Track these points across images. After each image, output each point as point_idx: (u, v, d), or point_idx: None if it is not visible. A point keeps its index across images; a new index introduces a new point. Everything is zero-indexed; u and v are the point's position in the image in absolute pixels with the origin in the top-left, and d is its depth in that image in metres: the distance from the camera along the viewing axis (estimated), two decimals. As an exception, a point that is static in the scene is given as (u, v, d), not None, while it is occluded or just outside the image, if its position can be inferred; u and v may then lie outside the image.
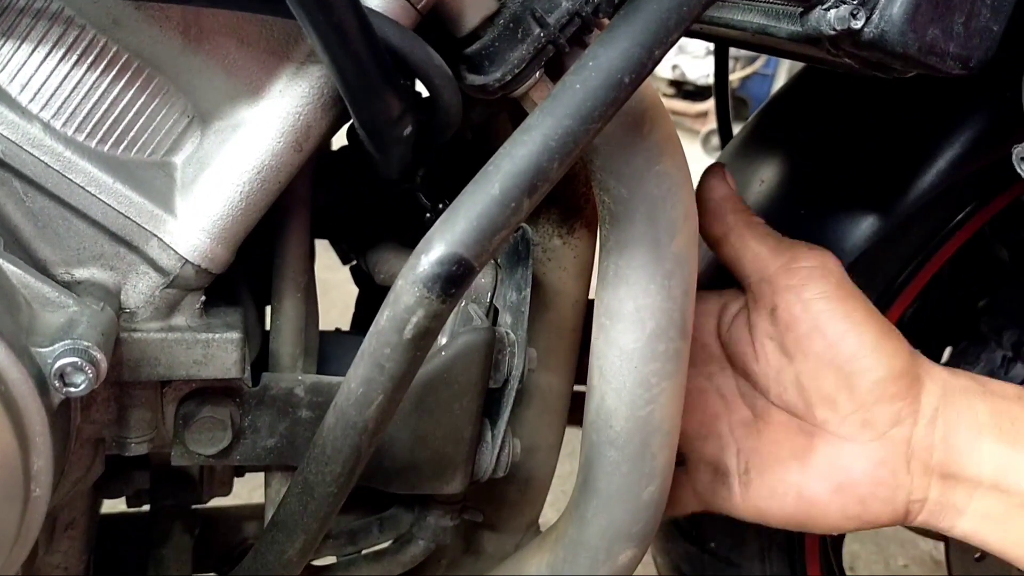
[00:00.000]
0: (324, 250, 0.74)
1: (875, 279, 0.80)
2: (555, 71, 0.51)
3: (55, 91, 0.48)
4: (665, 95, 5.77)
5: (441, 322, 0.45)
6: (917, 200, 0.77)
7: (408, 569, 0.72)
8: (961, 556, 0.97)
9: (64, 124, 0.48)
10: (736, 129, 1.04)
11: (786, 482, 0.65)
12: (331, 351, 0.64)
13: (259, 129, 0.50)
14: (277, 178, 0.51)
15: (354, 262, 0.75)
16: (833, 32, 0.51)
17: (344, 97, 0.48)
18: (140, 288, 0.51)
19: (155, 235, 0.50)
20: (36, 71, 0.48)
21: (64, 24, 0.47)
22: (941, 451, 0.62)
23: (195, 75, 0.50)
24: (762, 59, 4.88)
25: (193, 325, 0.53)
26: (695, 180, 0.61)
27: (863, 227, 0.78)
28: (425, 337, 0.45)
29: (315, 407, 0.58)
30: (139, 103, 0.50)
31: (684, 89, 5.80)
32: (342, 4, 0.43)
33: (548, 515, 0.75)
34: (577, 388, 0.72)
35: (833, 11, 0.51)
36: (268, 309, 0.63)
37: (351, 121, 0.53)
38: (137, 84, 0.49)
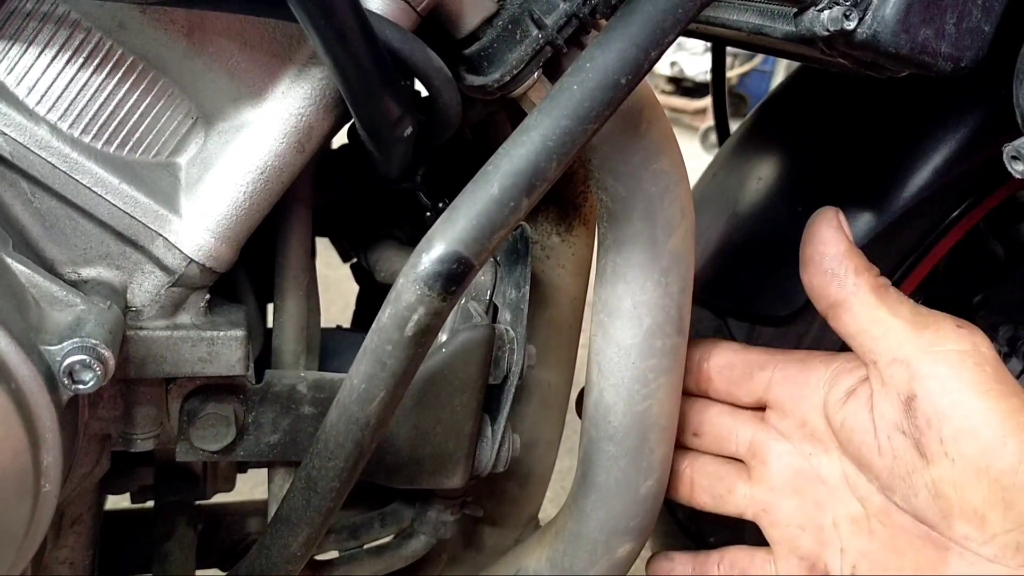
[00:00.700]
0: (324, 248, 0.74)
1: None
2: (553, 72, 0.51)
3: (61, 93, 0.48)
4: (664, 92, 5.76)
5: (442, 319, 0.46)
6: (913, 197, 0.78)
7: (409, 563, 0.72)
8: None
9: (71, 126, 0.49)
10: (734, 126, 1.04)
11: None
12: (332, 348, 0.64)
13: (262, 130, 0.51)
14: (280, 178, 0.52)
15: (354, 260, 0.75)
16: (827, 33, 0.52)
17: (345, 98, 0.49)
18: (146, 287, 0.52)
19: (160, 235, 0.50)
20: (43, 74, 0.48)
21: (70, 27, 0.48)
22: None
23: (199, 77, 0.50)
24: (760, 56, 4.87)
25: (198, 323, 0.54)
26: (692, 180, 0.60)
27: (859, 224, 0.78)
28: (426, 334, 0.46)
29: (318, 403, 0.58)
30: (144, 105, 0.50)
31: (683, 86, 5.79)
32: (343, 7, 0.44)
33: (548, 510, 0.75)
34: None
35: (827, 12, 0.51)
36: (270, 307, 0.63)
37: (352, 121, 0.54)
38: (142, 86, 0.50)
